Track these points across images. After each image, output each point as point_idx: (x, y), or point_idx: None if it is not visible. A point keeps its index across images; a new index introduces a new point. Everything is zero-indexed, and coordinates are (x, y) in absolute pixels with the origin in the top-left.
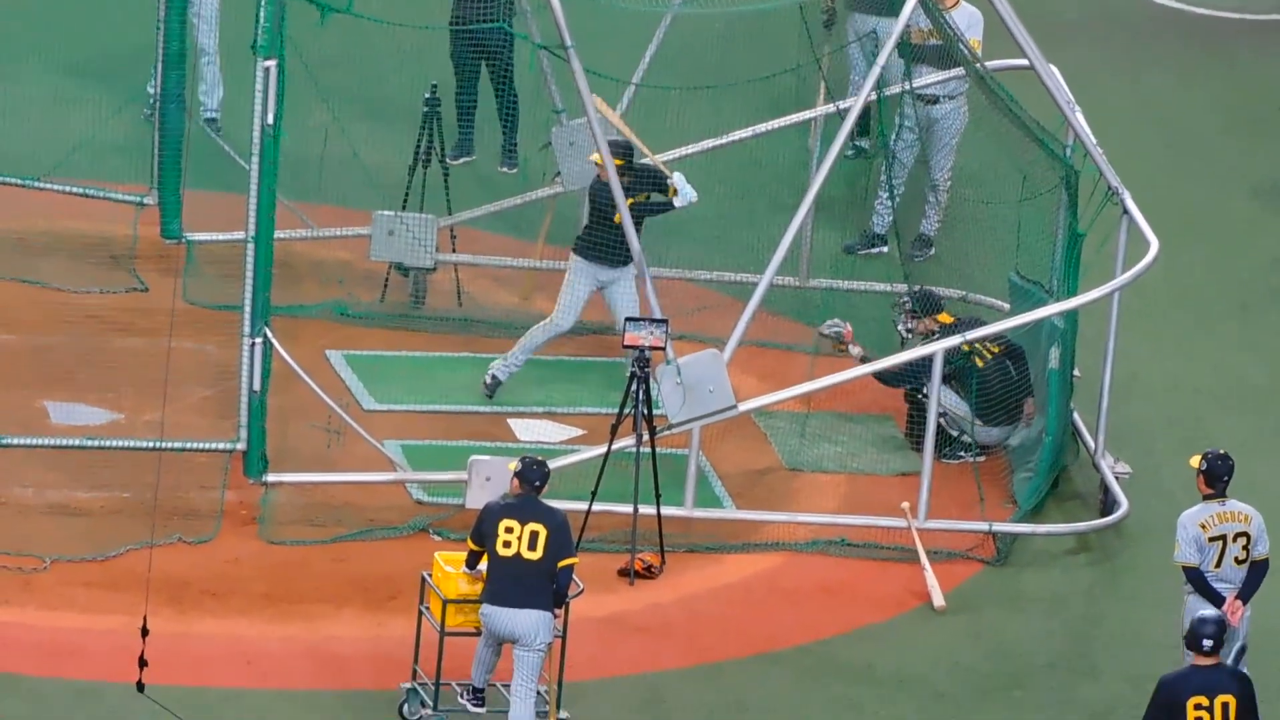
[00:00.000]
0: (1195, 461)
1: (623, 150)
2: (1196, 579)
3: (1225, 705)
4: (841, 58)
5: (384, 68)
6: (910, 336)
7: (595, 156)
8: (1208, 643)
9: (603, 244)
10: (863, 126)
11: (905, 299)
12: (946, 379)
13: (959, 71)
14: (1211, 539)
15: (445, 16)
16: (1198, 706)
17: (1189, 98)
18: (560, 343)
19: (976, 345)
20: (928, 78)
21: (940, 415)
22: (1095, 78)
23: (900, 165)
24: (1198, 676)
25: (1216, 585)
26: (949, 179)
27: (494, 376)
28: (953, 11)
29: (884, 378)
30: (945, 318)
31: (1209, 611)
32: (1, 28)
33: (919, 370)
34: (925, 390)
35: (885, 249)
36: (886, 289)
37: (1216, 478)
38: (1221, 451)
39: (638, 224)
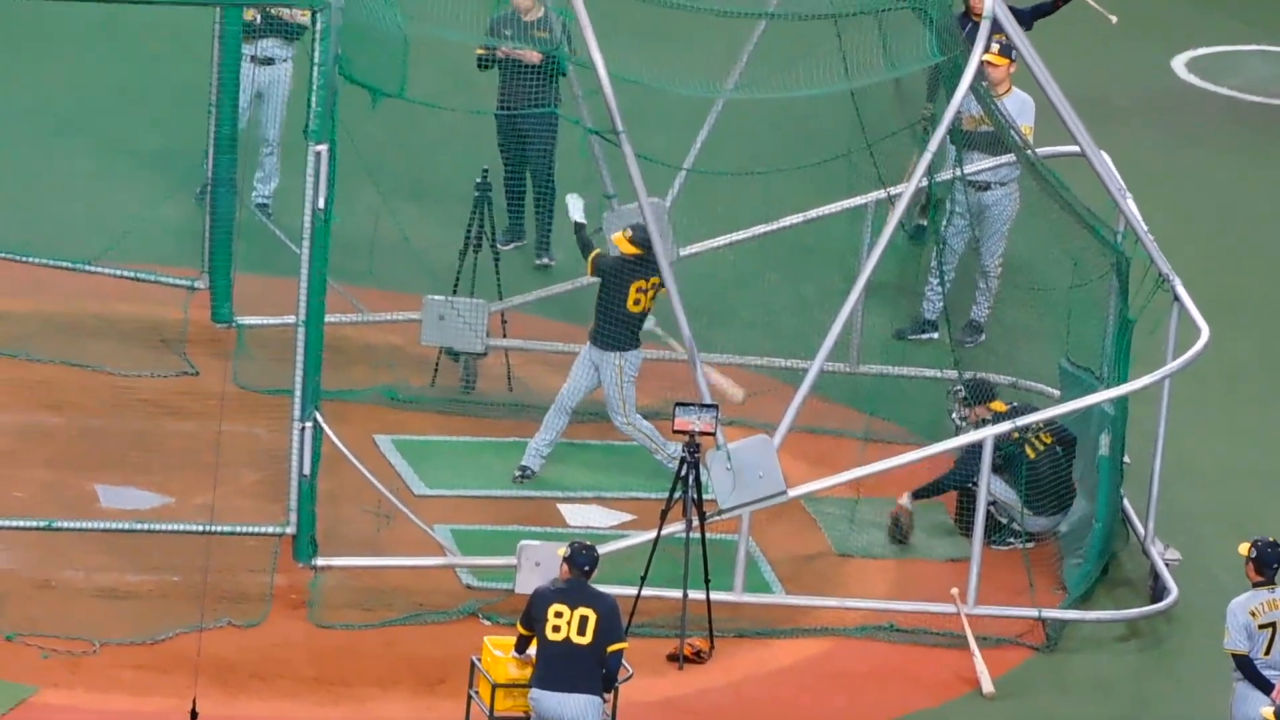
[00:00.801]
0: (1245, 549)
1: (643, 239)
2: (1245, 666)
3: None
4: (897, 142)
5: (434, 151)
6: (964, 425)
7: (616, 236)
8: None
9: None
10: (921, 206)
11: (959, 387)
12: (997, 469)
13: (1010, 158)
14: (1261, 626)
15: (494, 99)
16: None
17: (1240, 182)
18: (609, 428)
19: (1028, 435)
20: (979, 164)
21: (990, 503)
22: (1146, 163)
23: (951, 251)
24: None
25: (1266, 673)
26: (1000, 265)
27: (525, 468)
28: (1005, 98)
29: (939, 487)
30: (999, 405)
31: (1258, 701)
32: (55, 109)
33: (970, 468)
34: (976, 479)
35: (936, 335)
36: (937, 374)
37: (1267, 565)
38: (1271, 539)
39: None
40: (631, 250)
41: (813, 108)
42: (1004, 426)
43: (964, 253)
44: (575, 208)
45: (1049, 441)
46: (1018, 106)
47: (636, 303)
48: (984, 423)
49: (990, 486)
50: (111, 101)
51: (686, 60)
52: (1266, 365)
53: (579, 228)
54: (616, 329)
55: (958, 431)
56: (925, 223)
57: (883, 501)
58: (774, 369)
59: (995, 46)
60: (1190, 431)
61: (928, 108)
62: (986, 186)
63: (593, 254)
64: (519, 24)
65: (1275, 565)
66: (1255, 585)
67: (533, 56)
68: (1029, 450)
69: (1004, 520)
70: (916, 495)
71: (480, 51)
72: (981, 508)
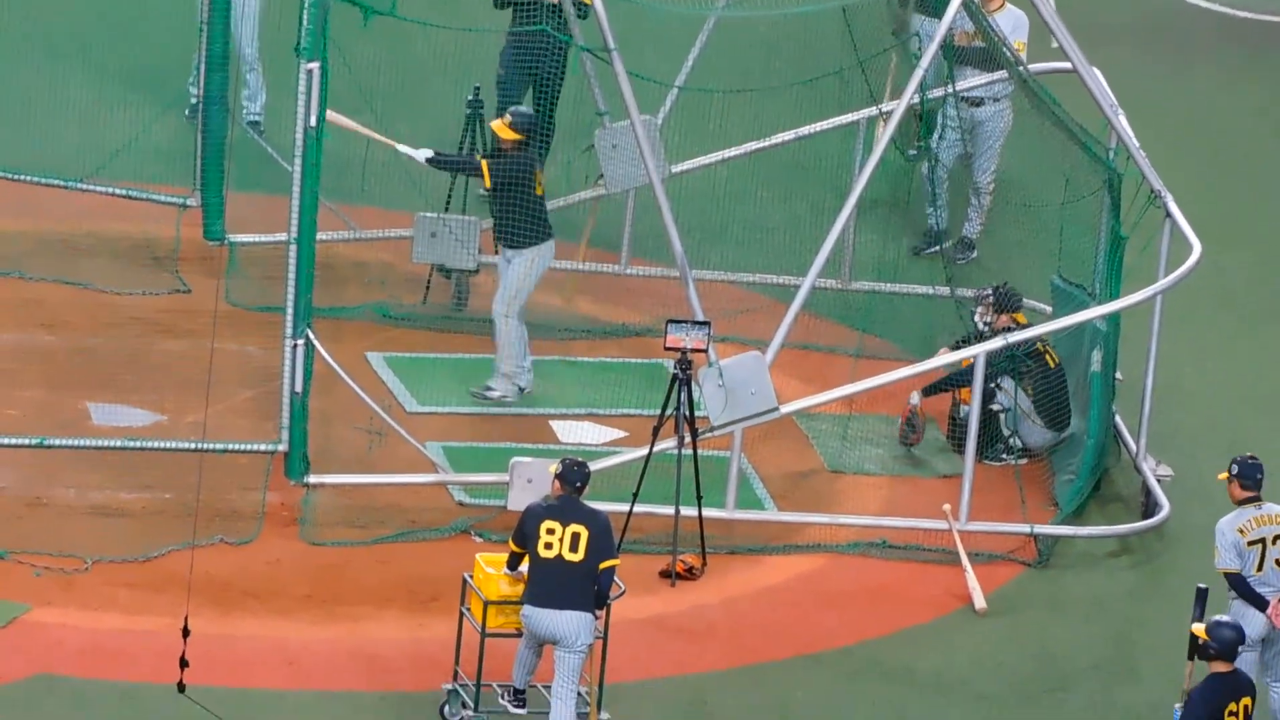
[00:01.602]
0: (1224, 475)
1: (523, 123)
2: (1239, 584)
3: (1246, 707)
4: (886, 59)
5: (426, 69)
6: (986, 330)
7: (497, 124)
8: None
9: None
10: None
11: (989, 293)
12: (1017, 375)
13: (1003, 75)
14: (1250, 543)
15: (487, 19)
16: (1230, 713)
17: (1233, 101)
18: (602, 344)
19: (1047, 345)
20: (971, 80)
21: (1000, 411)
22: (1138, 80)
23: (942, 168)
24: (1224, 685)
25: (1260, 589)
26: (992, 182)
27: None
28: (997, 15)
29: (950, 381)
30: (1020, 317)
31: (1254, 618)
32: (45, 31)
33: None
34: (999, 381)
35: (949, 243)
36: (929, 291)
37: (1249, 478)
38: (1250, 456)
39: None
40: (515, 136)
41: (804, 24)
42: (995, 343)
43: (955, 170)
44: (415, 154)
45: (1059, 359)
46: (1011, 23)
47: (541, 184)
48: (1006, 330)
49: (999, 396)
50: (100, 20)
51: None
52: (1258, 284)
53: (436, 161)
54: (532, 223)
55: (980, 337)
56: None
57: (875, 418)
58: (766, 286)
59: None
60: (1182, 349)
61: (900, 13)
62: (979, 102)
63: (482, 163)
64: None
65: (1258, 477)
66: (1241, 504)
67: None
68: (1050, 360)
69: (1007, 432)
70: (926, 392)
71: None
72: (974, 423)
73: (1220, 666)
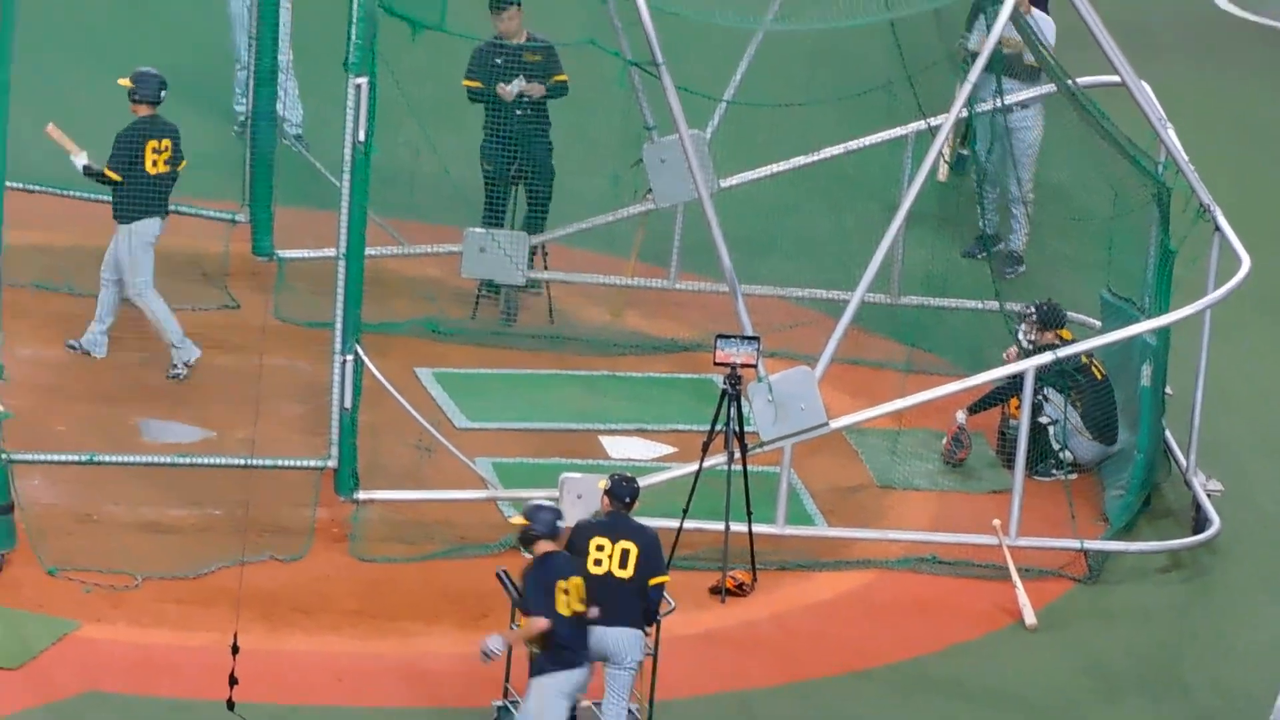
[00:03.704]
0: None
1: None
2: None
3: (577, 586)
4: (936, 71)
5: None
6: (1030, 348)
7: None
8: None
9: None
10: (963, 136)
11: (1031, 310)
12: (1065, 389)
13: (1049, 88)
14: None
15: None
16: (564, 590)
17: (1278, 111)
18: (651, 359)
19: (1093, 359)
20: (1019, 91)
21: (1049, 424)
22: (1187, 93)
23: (991, 178)
24: (552, 563)
25: None
26: (1030, 190)
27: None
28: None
29: (995, 398)
30: (1066, 334)
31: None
32: (98, 47)
33: (1018, 384)
34: (1046, 392)
35: (1001, 246)
36: (978, 306)
37: None
38: None
39: None
40: (142, 110)
41: (852, 38)
42: (1045, 358)
43: (1002, 179)
44: (79, 159)
45: (1105, 373)
46: (1037, 28)
47: (154, 164)
48: (1049, 347)
49: (1046, 409)
50: (149, 34)
51: None
52: None
53: (87, 170)
54: (132, 198)
55: (1021, 354)
56: (966, 152)
57: (924, 433)
58: (815, 300)
59: None
60: (1231, 362)
61: (965, 36)
62: (1011, 109)
63: (105, 170)
64: (509, 51)
65: None
66: None
67: (537, 90)
68: (1096, 371)
69: (1057, 445)
70: (972, 410)
71: (471, 85)
72: (1024, 440)
73: (545, 546)
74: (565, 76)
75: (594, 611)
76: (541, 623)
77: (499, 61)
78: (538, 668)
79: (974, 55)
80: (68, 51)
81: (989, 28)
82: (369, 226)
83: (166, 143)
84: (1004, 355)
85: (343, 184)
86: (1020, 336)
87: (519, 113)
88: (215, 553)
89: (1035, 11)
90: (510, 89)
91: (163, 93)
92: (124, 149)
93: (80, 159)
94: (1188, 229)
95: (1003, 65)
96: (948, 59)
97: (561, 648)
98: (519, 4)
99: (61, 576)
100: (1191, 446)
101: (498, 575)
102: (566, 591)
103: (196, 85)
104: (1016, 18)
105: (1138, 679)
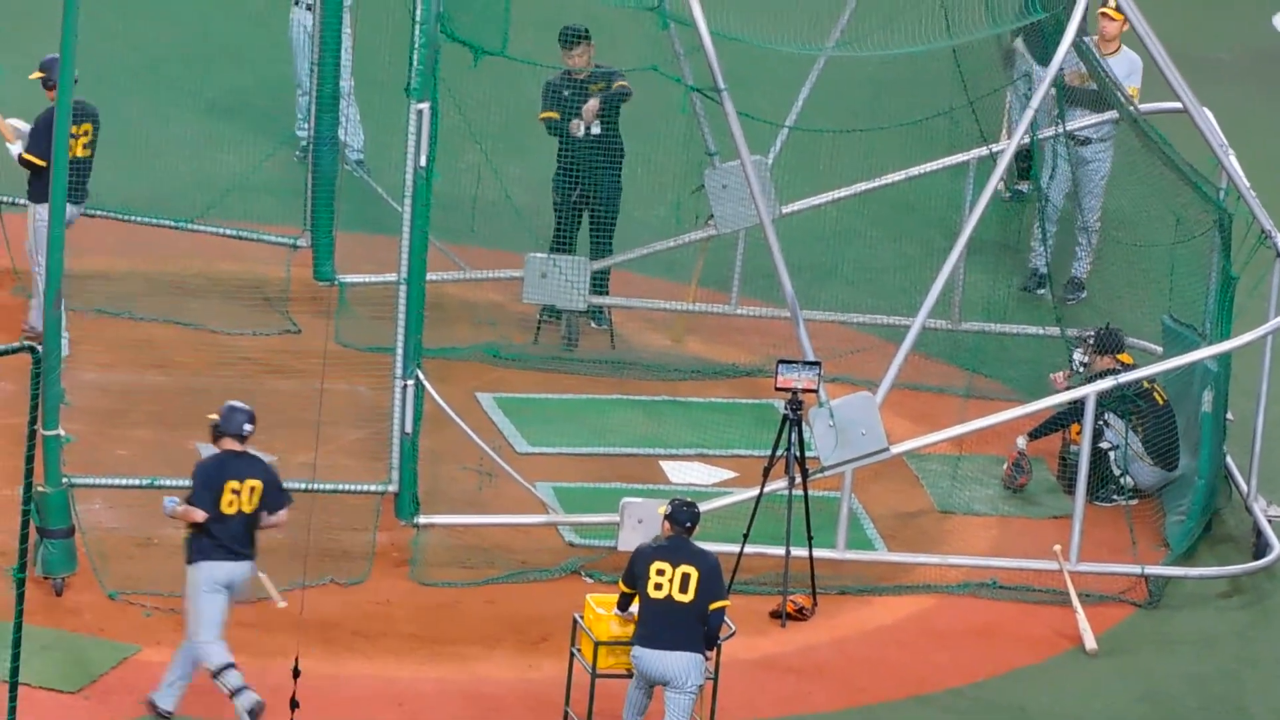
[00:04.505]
0: None
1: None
2: None
3: (252, 488)
4: (998, 98)
5: (535, 108)
6: (1083, 371)
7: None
8: None
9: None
10: (1022, 170)
11: (1090, 333)
12: (1126, 414)
13: (1112, 115)
14: None
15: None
16: (233, 491)
17: None
18: (712, 384)
19: (1155, 384)
20: (1081, 120)
21: (1110, 449)
22: (1248, 120)
23: (1053, 207)
24: (228, 461)
25: None
26: (1098, 220)
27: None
28: (1113, 57)
29: (1055, 423)
30: (1125, 358)
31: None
32: (155, 70)
33: (1078, 409)
34: (1107, 417)
35: (1061, 285)
36: (1038, 332)
37: None
38: None
39: None
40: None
41: (914, 64)
42: (1106, 383)
43: (1065, 209)
44: (14, 148)
45: (1167, 398)
46: (1126, 68)
47: (71, 149)
48: (1107, 373)
49: (1107, 434)
50: (208, 59)
51: (788, 18)
52: None
53: (21, 159)
54: (43, 180)
55: (1072, 374)
56: (1025, 188)
57: (985, 459)
58: (876, 326)
59: (1113, 1)
60: None
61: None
62: (1086, 141)
63: (24, 154)
64: (576, 85)
65: None
66: None
67: (593, 106)
68: (1158, 396)
69: (1118, 471)
70: (1033, 435)
71: (549, 116)
72: (1084, 465)
73: (229, 444)
74: (627, 82)
75: (279, 518)
76: (197, 514)
77: (566, 94)
78: (188, 556)
79: (1011, 52)
80: (132, 81)
81: (1036, 60)
82: (430, 251)
83: (86, 126)
84: (1051, 378)
85: (404, 209)
86: (1075, 361)
87: (590, 146)
88: (276, 577)
89: (1125, 50)
90: (579, 126)
91: (74, 73)
92: (44, 134)
93: (15, 148)
94: (1249, 255)
95: (1066, 93)
96: (1010, 86)
97: (216, 541)
98: (589, 40)
99: (122, 600)
100: (1253, 472)
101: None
102: (237, 492)
103: (258, 111)
104: (1081, 48)
105: (1198, 705)
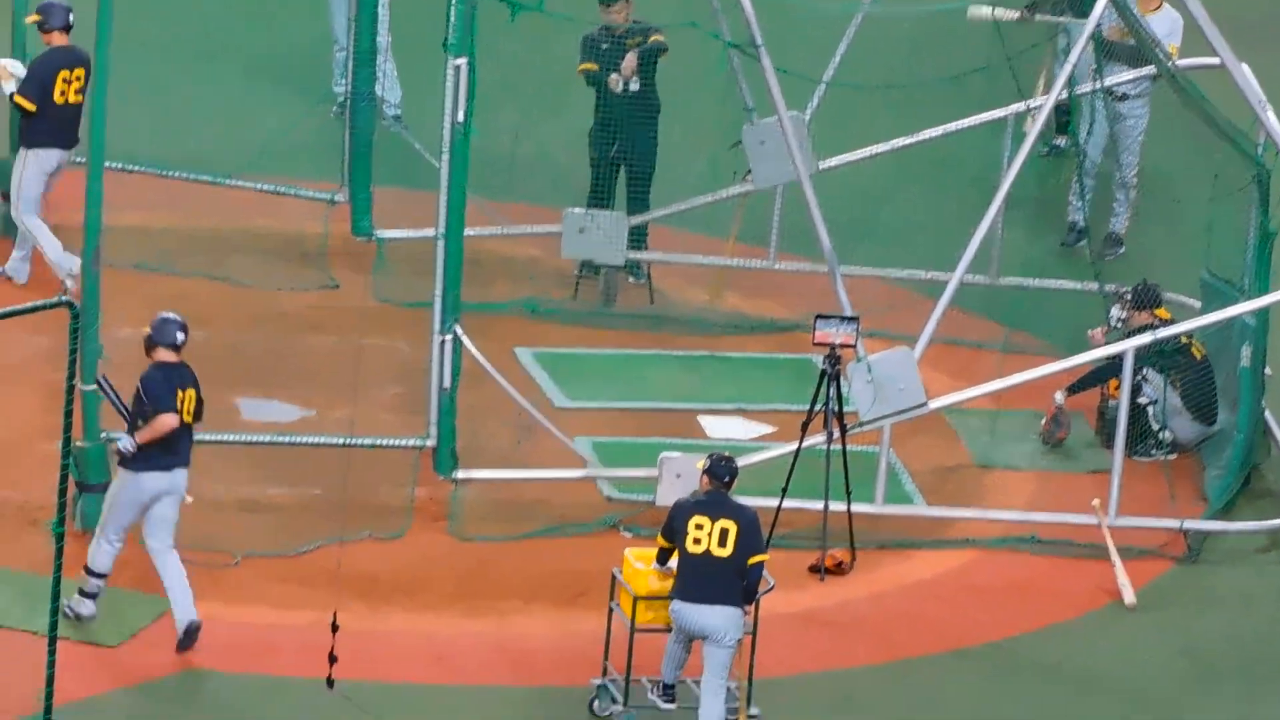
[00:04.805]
0: None
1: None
2: None
3: (192, 397)
4: (1035, 53)
5: (572, 64)
6: (1121, 327)
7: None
8: None
9: None
10: (1059, 125)
11: (1126, 290)
12: (1161, 368)
13: (1150, 70)
14: None
15: (637, 14)
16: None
17: None
18: (750, 339)
19: (1193, 339)
20: (1119, 75)
21: (1149, 404)
22: None
23: (1090, 163)
24: (173, 372)
25: None
26: (1136, 176)
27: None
28: (1152, 15)
29: (1094, 378)
30: (1163, 313)
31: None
32: (191, 28)
33: (1117, 364)
34: (1145, 372)
35: (1101, 238)
36: (1077, 287)
37: None
38: None
39: None
40: (55, 39)
41: (951, 20)
42: (1145, 338)
43: (1102, 165)
44: (7, 86)
45: (1205, 353)
46: (1167, 26)
47: (62, 94)
48: (1145, 328)
49: (1145, 389)
50: (244, 16)
51: None
52: None
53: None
54: (44, 127)
55: (1109, 329)
56: (1061, 143)
57: (1023, 414)
58: (914, 281)
59: None
60: None
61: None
62: (1123, 97)
63: (16, 97)
64: (614, 39)
65: None
66: None
67: (631, 62)
68: (1195, 352)
69: (1157, 425)
70: (1071, 390)
71: (588, 68)
72: (1123, 420)
73: (165, 355)
74: (662, 36)
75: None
76: (172, 419)
77: (605, 47)
78: (126, 462)
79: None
80: (165, 36)
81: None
82: (468, 207)
83: (80, 71)
84: (1089, 335)
85: (442, 164)
86: (1112, 316)
87: (627, 101)
88: (314, 532)
89: (1166, 8)
90: (617, 81)
91: (70, 17)
92: (37, 79)
93: (9, 86)
94: None
95: (1105, 47)
96: (1047, 41)
97: (164, 449)
98: None
99: None
100: None
101: (98, 381)
102: (181, 401)
103: (295, 67)
104: (1119, 3)
105: (1236, 662)
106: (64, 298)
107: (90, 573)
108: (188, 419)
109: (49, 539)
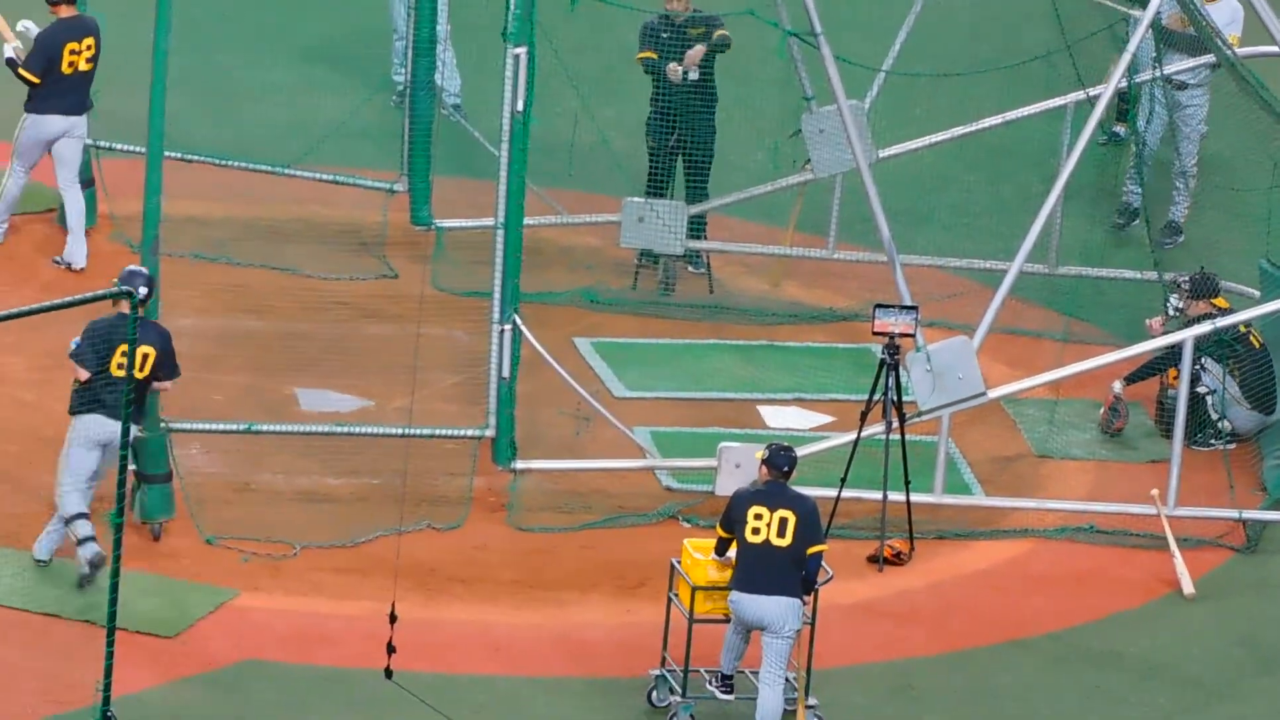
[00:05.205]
0: None
1: None
2: None
3: (146, 356)
4: (1095, 41)
5: (632, 52)
6: (1178, 315)
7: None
8: None
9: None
10: (1119, 113)
11: (1184, 279)
12: (1223, 359)
13: (1210, 59)
14: None
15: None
16: None
17: None
18: (809, 329)
19: (1251, 328)
20: (1178, 64)
21: (1208, 393)
22: None
23: (1149, 151)
24: None
25: None
26: (1195, 165)
27: None
28: (1213, 5)
29: (1151, 368)
30: (1221, 302)
31: None
32: (251, 17)
33: (1175, 353)
34: (1204, 361)
35: (1161, 226)
36: (1136, 276)
37: None
38: None
39: None
40: (62, 11)
41: (1011, 8)
42: (1204, 328)
43: (1161, 153)
44: (7, 48)
45: (1264, 342)
46: (1228, 15)
47: (71, 65)
48: (1203, 317)
49: (1204, 378)
50: (310, 7)
51: None
52: None
53: (10, 62)
54: (49, 97)
55: (1167, 318)
56: (1121, 131)
57: (1082, 403)
58: (972, 270)
59: None
60: None
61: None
62: (1183, 85)
63: (20, 69)
64: (674, 28)
65: None
66: None
67: (698, 52)
68: (1254, 341)
69: (1215, 415)
70: (1129, 380)
71: (647, 55)
72: (1182, 409)
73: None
74: (727, 31)
75: (165, 385)
76: (82, 374)
77: (664, 36)
78: (72, 407)
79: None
80: (228, 27)
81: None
82: (527, 196)
83: (88, 40)
84: (1147, 324)
85: (501, 153)
86: (1169, 305)
87: (686, 90)
88: (373, 522)
89: None
90: (677, 70)
91: None
92: (43, 51)
93: (9, 49)
94: None
95: (1164, 36)
96: (1107, 30)
97: (96, 396)
98: None
99: (220, 545)
100: None
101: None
102: (126, 354)
103: (355, 56)
104: None
105: None
106: (123, 287)
107: (69, 521)
108: (139, 374)
109: (108, 530)
